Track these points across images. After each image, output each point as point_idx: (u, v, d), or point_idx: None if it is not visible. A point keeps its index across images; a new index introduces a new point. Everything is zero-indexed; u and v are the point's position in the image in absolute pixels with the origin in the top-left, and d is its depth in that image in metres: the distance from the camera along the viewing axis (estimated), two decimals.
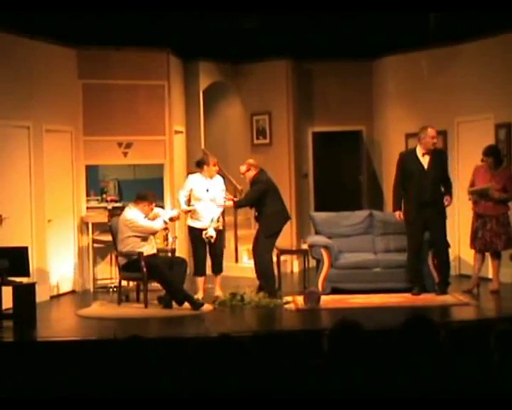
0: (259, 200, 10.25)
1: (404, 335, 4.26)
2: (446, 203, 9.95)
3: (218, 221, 10.16)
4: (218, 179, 10.45)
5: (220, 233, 10.29)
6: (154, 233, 10.07)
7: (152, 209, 10.03)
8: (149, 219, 9.93)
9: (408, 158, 10.14)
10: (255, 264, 10.36)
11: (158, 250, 10.22)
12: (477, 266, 10.28)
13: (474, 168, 10.36)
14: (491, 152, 10.12)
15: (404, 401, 3.94)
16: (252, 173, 10.27)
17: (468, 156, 11.54)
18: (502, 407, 3.92)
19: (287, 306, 9.68)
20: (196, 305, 9.56)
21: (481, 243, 10.09)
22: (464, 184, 10.67)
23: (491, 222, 9.97)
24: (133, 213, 9.89)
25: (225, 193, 10.37)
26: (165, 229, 10.43)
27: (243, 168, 10.33)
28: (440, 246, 10.04)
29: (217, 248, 10.25)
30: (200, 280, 10.31)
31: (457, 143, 11.83)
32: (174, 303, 9.69)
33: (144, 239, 9.84)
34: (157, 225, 9.95)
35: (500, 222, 9.95)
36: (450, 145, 11.72)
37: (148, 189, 11.19)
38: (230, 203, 10.36)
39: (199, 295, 10.07)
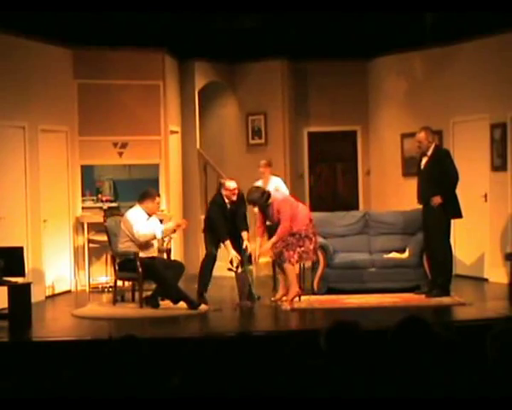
0: None
1: (397, 335, 4.26)
2: (431, 203, 9.83)
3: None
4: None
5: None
6: (149, 240, 9.68)
7: (158, 204, 9.98)
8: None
9: (419, 158, 10.09)
10: None
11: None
12: (282, 275, 9.96)
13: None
14: (250, 202, 9.86)
15: (400, 401, 3.95)
16: None
17: (464, 156, 11.55)
18: (497, 406, 3.93)
19: (282, 306, 9.69)
20: (193, 305, 9.55)
21: (275, 255, 9.82)
22: (460, 183, 10.61)
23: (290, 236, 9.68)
24: (134, 214, 9.68)
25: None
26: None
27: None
28: (434, 248, 9.94)
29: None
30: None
31: (453, 143, 11.83)
32: (168, 303, 9.67)
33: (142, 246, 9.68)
34: (155, 232, 9.63)
35: (296, 236, 9.63)
36: (445, 145, 11.70)
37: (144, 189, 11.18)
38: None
39: None
